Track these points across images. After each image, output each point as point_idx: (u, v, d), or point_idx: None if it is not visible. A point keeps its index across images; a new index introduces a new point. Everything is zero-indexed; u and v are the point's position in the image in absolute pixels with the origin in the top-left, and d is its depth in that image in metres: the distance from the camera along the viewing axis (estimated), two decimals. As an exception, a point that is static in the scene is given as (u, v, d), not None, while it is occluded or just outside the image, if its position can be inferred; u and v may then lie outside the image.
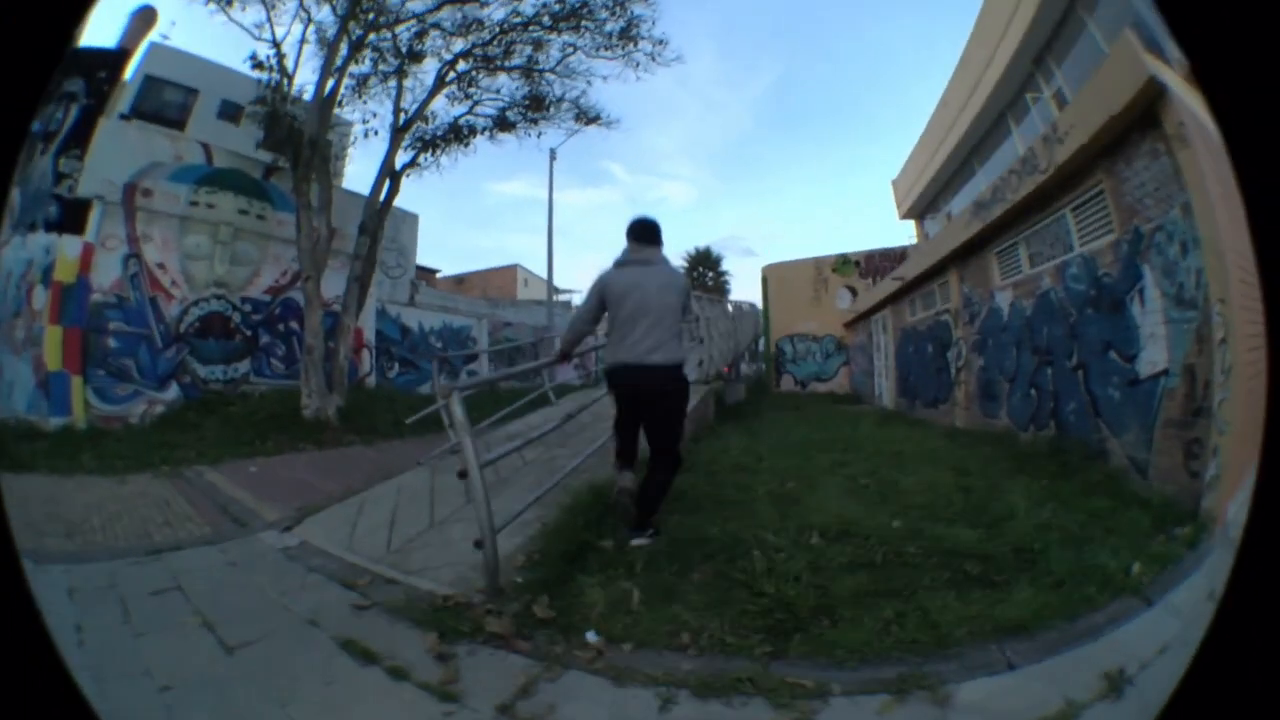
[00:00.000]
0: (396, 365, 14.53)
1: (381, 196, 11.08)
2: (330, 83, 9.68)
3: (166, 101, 11.14)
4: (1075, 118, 5.17)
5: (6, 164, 0.88)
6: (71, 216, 8.24)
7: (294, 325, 10.73)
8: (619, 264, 3.52)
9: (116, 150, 8.79)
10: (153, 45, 11.03)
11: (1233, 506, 3.54)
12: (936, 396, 9.59)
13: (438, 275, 27.89)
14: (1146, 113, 4.36)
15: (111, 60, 9.34)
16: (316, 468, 6.61)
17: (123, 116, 10.03)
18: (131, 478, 5.97)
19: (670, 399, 3.41)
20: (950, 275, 8.79)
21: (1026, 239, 6.70)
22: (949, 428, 8.06)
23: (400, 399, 11.25)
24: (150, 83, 10.96)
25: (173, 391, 9.35)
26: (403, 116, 10.95)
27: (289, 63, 9.69)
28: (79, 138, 8.39)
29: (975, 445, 6.36)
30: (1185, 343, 4.11)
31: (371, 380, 13.02)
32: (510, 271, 33.76)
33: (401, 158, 11.49)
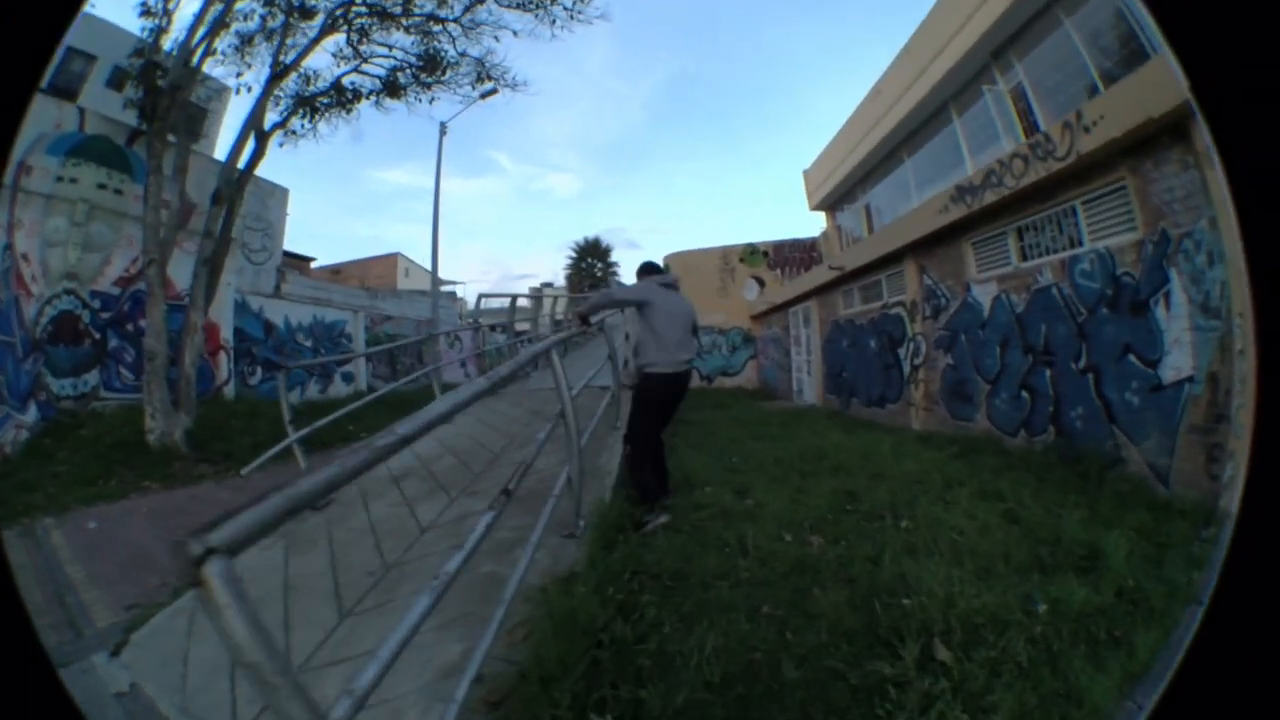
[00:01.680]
0: (260, 369, 12.82)
1: (243, 161, 9.79)
2: (203, 29, 8.77)
3: (71, 72, 10.39)
4: (1107, 109, 4.90)
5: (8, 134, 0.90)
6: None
7: (144, 324, 9.12)
8: (661, 284, 4.32)
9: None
10: (83, 16, 9.78)
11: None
12: (884, 395, 9.42)
13: (312, 264, 26.63)
14: (1179, 125, 4.39)
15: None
16: (160, 520, 5.55)
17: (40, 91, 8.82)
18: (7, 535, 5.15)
19: (687, 392, 4.43)
20: (907, 265, 8.55)
21: (1019, 229, 6.49)
22: (910, 431, 7.81)
23: (265, 412, 9.68)
24: (68, 54, 10.21)
25: (32, 412, 8.02)
26: (280, 67, 9.94)
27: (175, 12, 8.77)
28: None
29: (967, 455, 6.01)
30: (1210, 351, 4.18)
31: (230, 390, 11.59)
32: (391, 260, 33.24)
33: (274, 118, 10.46)
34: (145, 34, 8.87)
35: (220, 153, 11.20)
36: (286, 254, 23.99)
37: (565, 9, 10.90)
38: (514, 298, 12.09)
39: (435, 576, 1.53)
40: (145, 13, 8.73)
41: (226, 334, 11.96)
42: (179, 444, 7.73)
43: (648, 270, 4.45)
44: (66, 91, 10.09)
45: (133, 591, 3.85)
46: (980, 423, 6.93)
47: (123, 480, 6.63)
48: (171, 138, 8.80)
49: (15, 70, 0.81)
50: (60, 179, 8.97)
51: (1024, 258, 6.45)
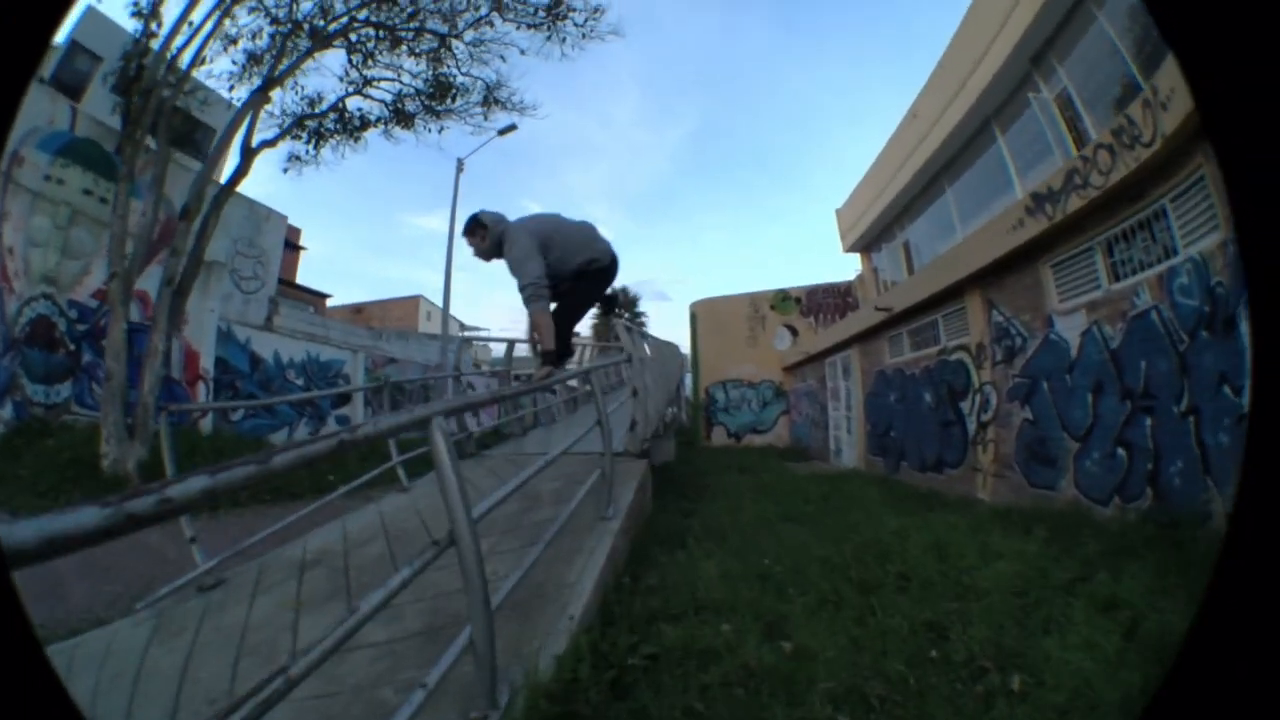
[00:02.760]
0: (247, 402, 12.33)
1: (224, 176, 9.83)
2: (184, 33, 8.63)
3: (76, 70, 10.46)
4: (1177, 79, 4.02)
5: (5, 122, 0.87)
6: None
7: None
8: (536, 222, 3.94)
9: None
10: (88, 9, 10.42)
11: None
12: (942, 458, 8.01)
13: (328, 301, 26.63)
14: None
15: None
16: (90, 571, 4.67)
17: (40, 80, 9.22)
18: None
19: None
20: (970, 300, 7.31)
21: (1108, 241, 5.30)
22: (979, 504, 6.36)
23: (235, 451, 8.91)
24: (73, 49, 10.39)
25: (8, 409, 8.06)
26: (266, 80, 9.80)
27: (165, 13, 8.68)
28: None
29: (1059, 537, 4.61)
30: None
31: (207, 422, 11.02)
32: (413, 302, 33.24)
33: (268, 137, 10.38)
34: (135, 34, 8.81)
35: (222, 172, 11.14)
36: (301, 288, 24.69)
37: (576, 25, 10.61)
38: (511, 342, 10.83)
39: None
40: (136, 13, 8.63)
41: (207, 363, 11.49)
42: (131, 474, 7.32)
43: (484, 223, 3.78)
44: (71, 89, 10.12)
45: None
46: (1065, 491, 5.60)
47: (69, 503, 5.73)
48: (151, 144, 8.61)
49: (12, 58, 0.80)
50: (48, 178, 8.92)
51: (1115, 277, 5.31)
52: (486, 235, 3.74)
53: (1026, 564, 3.95)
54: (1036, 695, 2.38)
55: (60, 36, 10.02)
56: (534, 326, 3.76)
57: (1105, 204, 5.11)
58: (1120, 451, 5.04)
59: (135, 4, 8.57)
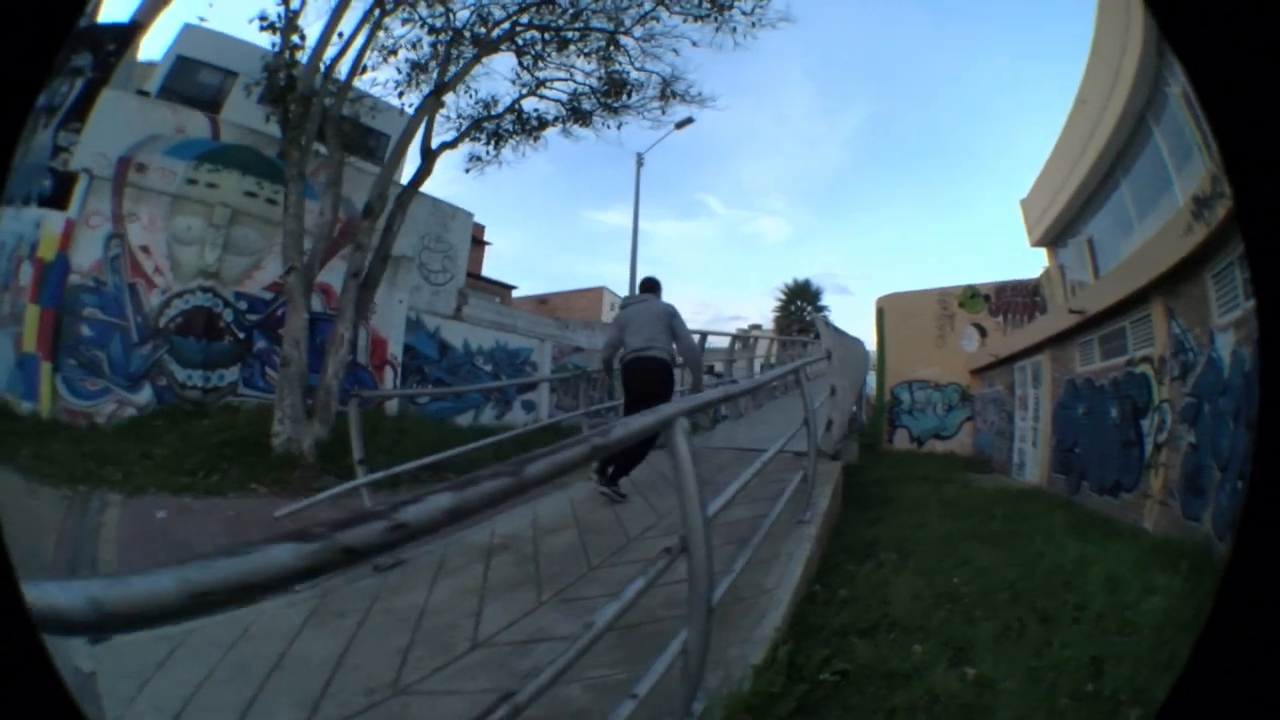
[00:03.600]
0: (430, 389, 13.36)
1: (407, 177, 10.80)
2: (337, 44, 9.22)
3: (202, 84, 11.52)
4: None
5: (9, 141, 0.92)
6: (61, 191, 8.47)
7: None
8: (625, 305, 5.68)
9: (112, 123, 9.01)
10: (187, 27, 11.48)
11: None
12: (1119, 481, 7.66)
13: (513, 293, 28.71)
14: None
15: (120, 34, 9.77)
16: (241, 527, 5.56)
17: (140, 93, 10.36)
18: (42, 490, 5.71)
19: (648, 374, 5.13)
20: (1154, 307, 6.90)
21: (1242, 254, 5.06)
22: (1144, 534, 6.16)
23: (427, 432, 10.10)
24: (183, 63, 11.44)
25: (146, 393, 9.09)
26: (438, 86, 10.40)
27: (303, 21, 9.48)
28: (80, 111, 8.72)
29: (1197, 574, 4.60)
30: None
31: (393, 406, 11.94)
32: (596, 294, 34.68)
33: (447, 139, 11.37)
34: (273, 47, 9.61)
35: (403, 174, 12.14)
36: (488, 280, 26.64)
37: (744, 13, 10.84)
38: (703, 335, 11.11)
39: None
40: (266, 27, 9.42)
41: (395, 350, 12.55)
42: (305, 453, 7.91)
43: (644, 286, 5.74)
44: (201, 102, 11.03)
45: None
46: (1206, 524, 5.34)
47: (226, 477, 6.96)
48: (321, 149, 9.49)
49: (21, 61, 0.85)
50: (193, 181, 9.74)
51: (1247, 295, 4.99)
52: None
53: (1170, 596, 4.19)
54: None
55: (159, 55, 11.51)
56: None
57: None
58: (1240, 485, 4.79)
59: (264, 18, 9.31)
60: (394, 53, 10.76)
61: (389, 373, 12.46)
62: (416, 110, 10.21)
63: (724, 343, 12.10)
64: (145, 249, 9.34)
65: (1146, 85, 8.01)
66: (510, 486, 1.11)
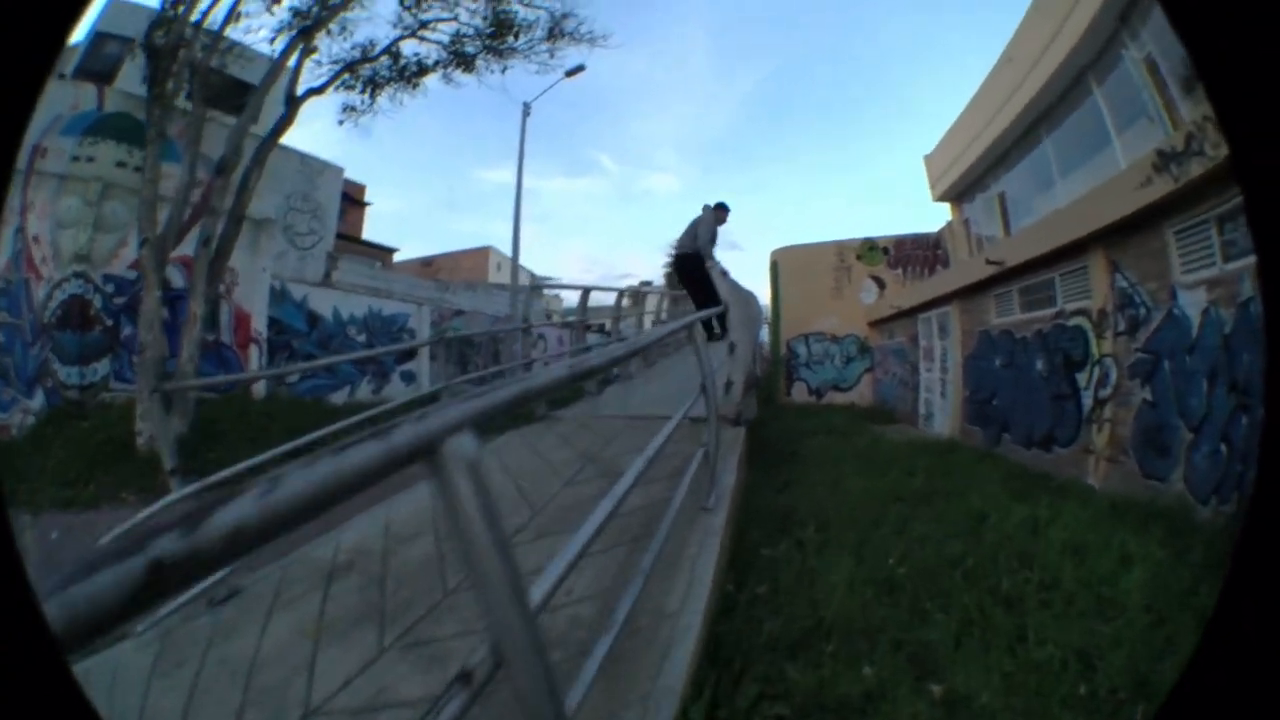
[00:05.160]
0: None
1: (266, 127, 10.07)
2: None
3: (107, 56, 10.98)
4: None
5: (10, 145, 0.92)
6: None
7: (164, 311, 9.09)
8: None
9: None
10: (110, 2, 10.92)
11: None
12: (1052, 435, 8.10)
13: (394, 255, 28.70)
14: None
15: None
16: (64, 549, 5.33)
17: (60, 77, 9.80)
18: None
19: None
20: (1093, 259, 7.17)
21: (1219, 218, 5.33)
22: (1092, 493, 6.46)
23: (285, 417, 9.45)
24: (98, 39, 11.01)
25: (39, 399, 8.58)
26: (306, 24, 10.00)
27: None
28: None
29: (1175, 539, 4.71)
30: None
31: (261, 388, 11.41)
32: (483, 254, 35.17)
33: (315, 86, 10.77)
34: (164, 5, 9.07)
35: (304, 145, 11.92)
36: (368, 244, 26.21)
37: None
38: (585, 290, 11.22)
39: None
40: None
41: (260, 325, 11.83)
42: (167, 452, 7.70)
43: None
44: (101, 75, 10.52)
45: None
46: (1174, 484, 5.66)
47: (100, 487, 6.60)
48: (186, 105, 8.97)
49: (28, 56, 0.85)
50: (76, 158, 9.35)
51: (1226, 258, 5.28)
52: None
53: (1156, 571, 4.02)
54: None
55: (80, 35, 10.85)
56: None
57: (1218, 176, 5.01)
58: (1223, 448, 5.10)
59: None
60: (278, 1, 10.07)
61: (254, 351, 11.76)
62: (281, 53, 9.86)
63: (610, 299, 11.48)
64: (36, 239, 9.00)
65: (1096, 45, 8.37)
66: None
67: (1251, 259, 4.86)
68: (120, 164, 9.71)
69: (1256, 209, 0.94)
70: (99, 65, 10.82)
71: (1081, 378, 7.47)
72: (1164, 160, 5.67)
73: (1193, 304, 5.63)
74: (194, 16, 8.84)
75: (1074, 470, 7.29)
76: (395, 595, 3.08)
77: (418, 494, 4.25)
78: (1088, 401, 7.30)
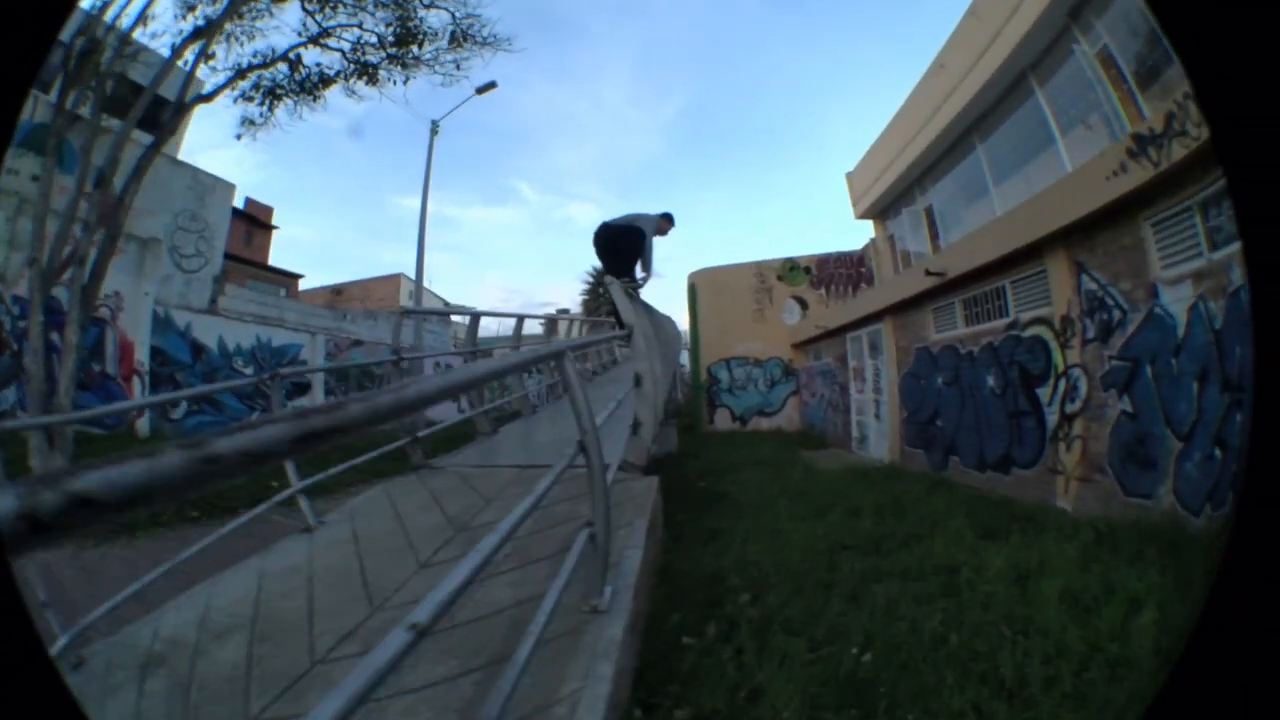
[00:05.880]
0: (184, 400, 12.21)
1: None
2: None
3: (53, 65, 10.12)
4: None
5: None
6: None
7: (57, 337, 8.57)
8: None
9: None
10: (85, 13, 10.01)
11: None
12: (1010, 456, 7.61)
13: (302, 282, 28.13)
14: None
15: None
16: None
17: None
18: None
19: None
20: (1052, 261, 6.75)
21: (1203, 203, 4.96)
22: (1064, 517, 5.94)
23: None
24: (58, 49, 10.00)
25: None
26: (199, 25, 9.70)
27: None
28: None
29: (1175, 559, 4.23)
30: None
31: (144, 423, 10.85)
32: (394, 281, 34.80)
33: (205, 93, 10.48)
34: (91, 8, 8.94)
35: (184, 152, 11.55)
36: (273, 269, 24.82)
37: None
38: (475, 315, 8.83)
39: None
40: None
41: (143, 355, 11.35)
42: None
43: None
44: (43, 83, 10.00)
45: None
46: (1163, 499, 5.17)
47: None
48: (85, 114, 8.68)
49: (10, 69, 0.83)
50: (11, 172, 9.38)
51: (1213, 245, 4.89)
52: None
53: (1163, 602, 3.53)
54: None
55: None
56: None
57: (1203, 157, 4.65)
58: (1217, 452, 4.65)
59: None
60: (193, 9, 9.85)
61: (137, 384, 11.19)
62: (170, 56, 9.55)
63: (509, 327, 10.33)
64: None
65: (1041, 43, 8.38)
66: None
67: (1237, 245, 4.48)
68: (35, 178, 9.32)
69: (1241, 190, 0.86)
70: (49, 75, 10.33)
71: (1043, 392, 7.01)
72: (1141, 145, 5.25)
73: (1177, 300, 5.20)
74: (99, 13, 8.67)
75: (1039, 493, 6.78)
76: (194, 711, 2.43)
77: (246, 573, 3.53)
78: (1052, 418, 6.83)
